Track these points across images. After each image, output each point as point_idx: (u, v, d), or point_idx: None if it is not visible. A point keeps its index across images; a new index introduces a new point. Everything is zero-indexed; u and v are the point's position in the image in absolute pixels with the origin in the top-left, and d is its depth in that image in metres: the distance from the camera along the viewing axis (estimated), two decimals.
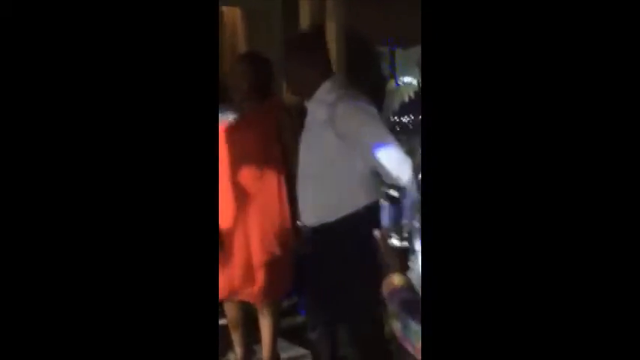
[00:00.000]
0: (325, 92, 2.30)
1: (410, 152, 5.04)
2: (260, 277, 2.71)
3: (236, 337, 2.98)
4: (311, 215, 2.39)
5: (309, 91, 2.31)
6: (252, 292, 2.72)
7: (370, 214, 2.37)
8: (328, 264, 2.36)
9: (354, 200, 2.35)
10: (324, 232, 2.34)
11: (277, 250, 2.68)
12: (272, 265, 2.68)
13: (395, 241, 2.11)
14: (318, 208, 2.35)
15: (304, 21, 4.89)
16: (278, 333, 2.90)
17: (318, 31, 2.46)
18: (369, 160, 2.33)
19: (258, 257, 2.68)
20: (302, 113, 2.53)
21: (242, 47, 4.87)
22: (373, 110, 2.49)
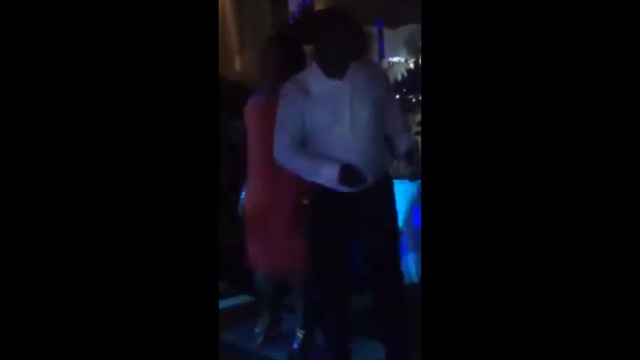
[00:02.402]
0: (360, 65, 2.44)
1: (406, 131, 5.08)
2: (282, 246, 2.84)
3: (265, 306, 3.12)
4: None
5: (342, 69, 2.43)
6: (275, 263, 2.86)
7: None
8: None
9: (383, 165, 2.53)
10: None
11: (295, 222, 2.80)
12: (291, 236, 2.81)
13: None
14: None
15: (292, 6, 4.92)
16: None
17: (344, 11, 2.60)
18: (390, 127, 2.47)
19: (278, 229, 2.80)
20: None
21: (232, 34, 4.91)
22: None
